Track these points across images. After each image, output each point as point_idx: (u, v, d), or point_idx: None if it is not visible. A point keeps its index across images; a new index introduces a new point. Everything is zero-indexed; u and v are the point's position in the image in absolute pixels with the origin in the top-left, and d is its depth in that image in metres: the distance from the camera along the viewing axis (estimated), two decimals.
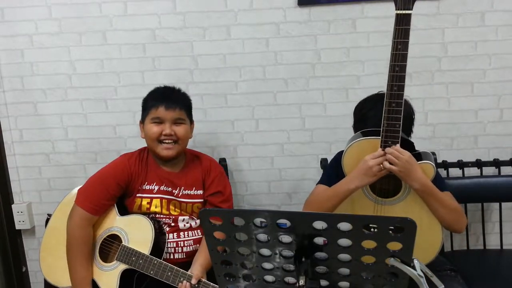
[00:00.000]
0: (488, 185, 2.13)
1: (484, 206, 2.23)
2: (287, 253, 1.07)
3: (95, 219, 1.80)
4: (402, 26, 1.51)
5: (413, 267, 1.00)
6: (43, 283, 1.91)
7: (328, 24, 2.16)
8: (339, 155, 1.75)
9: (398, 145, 1.57)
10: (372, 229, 1.01)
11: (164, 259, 1.72)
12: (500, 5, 2.13)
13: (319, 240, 1.04)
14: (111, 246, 1.81)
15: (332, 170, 1.79)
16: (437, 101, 2.22)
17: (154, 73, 2.23)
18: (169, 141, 1.79)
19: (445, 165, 2.19)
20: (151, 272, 1.69)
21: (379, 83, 2.14)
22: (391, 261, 1.01)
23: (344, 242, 1.02)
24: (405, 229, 0.98)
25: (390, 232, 0.99)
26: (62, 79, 2.24)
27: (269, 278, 1.13)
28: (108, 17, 2.18)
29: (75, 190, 1.87)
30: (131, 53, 2.21)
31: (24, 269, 2.43)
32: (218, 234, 1.11)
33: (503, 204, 2.21)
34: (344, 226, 0.99)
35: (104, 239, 1.81)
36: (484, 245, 2.26)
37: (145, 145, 1.90)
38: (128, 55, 2.21)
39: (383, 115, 1.56)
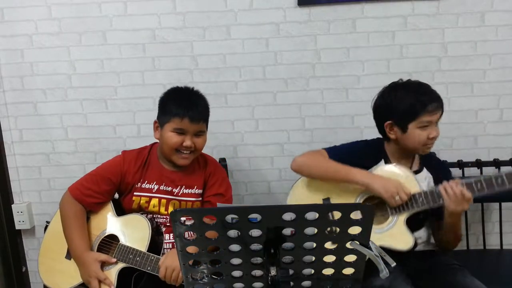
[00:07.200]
0: None
1: (484, 206, 2.23)
2: (256, 246, 1.09)
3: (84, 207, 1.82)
4: None
5: (370, 249, 1.08)
6: (42, 284, 1.91)
7: (328, 24, 2.16)
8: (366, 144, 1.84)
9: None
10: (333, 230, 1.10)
11: None
12: (500, 5, 2.13)
13: (287, 231, 1.08)
14: (109, 246, 1.81)
15: (348, 156, 1.81)
16: None
17: (154, 73, 2.23)
18: (188, 151, 1.79)
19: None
20: (148, 268, 1.69)
21: (379, 83, 2.13)
22: (352, 244, 1.09)
23: (310, 230, 1.08)
24: (364, 214, 1.06)
25: (352, 217, 1.06)
26: (62, 79, 2.24)
27: (237, 273, 1.14)
28: (108, 17, 2.18)
29: None
30: (131, 53, 2.21)
31: (24, 269, 2.43)
32: (189, 235, 1.11)
33: (503, 204, 2.21)
34: (311, 215, 1.05)
35: (102, 239, 1.82)
36: (484, 245, 2.26)
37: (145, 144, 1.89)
38: (128, 55, 2.21)
39: None
